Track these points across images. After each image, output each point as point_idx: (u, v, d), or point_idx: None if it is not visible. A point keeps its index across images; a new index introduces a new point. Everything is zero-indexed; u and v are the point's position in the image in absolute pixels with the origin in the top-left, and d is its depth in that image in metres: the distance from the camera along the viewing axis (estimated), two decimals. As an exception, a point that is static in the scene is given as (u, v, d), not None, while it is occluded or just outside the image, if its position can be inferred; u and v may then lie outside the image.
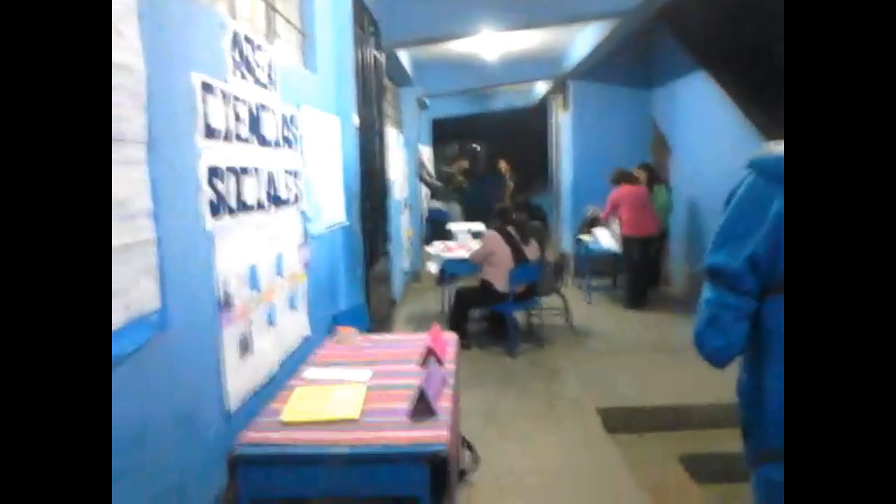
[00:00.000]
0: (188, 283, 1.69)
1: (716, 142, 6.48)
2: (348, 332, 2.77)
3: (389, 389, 2.12)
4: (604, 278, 7.48)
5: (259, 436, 1.77)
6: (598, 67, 8.13)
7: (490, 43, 7.21)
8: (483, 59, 8.11)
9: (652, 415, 3.96)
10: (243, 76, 2.15)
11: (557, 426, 3.76)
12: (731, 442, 1.63)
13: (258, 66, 2.31)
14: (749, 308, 1.20)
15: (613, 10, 5.22)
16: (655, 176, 7.08)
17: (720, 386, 3.25)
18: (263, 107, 2.33)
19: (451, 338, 2.70)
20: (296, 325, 2.71)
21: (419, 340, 2.69)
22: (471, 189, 10.80)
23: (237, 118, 2.06)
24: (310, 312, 2.90)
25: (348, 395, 2.05)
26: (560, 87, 9.69)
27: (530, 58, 8.48)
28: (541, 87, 10.87)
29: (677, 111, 7.61)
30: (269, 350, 2.33)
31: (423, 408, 1.88)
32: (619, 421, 3.88)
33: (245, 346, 2.08)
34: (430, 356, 2.35)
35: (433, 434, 1.75)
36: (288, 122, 2.66)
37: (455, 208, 10.62)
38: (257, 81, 2.29)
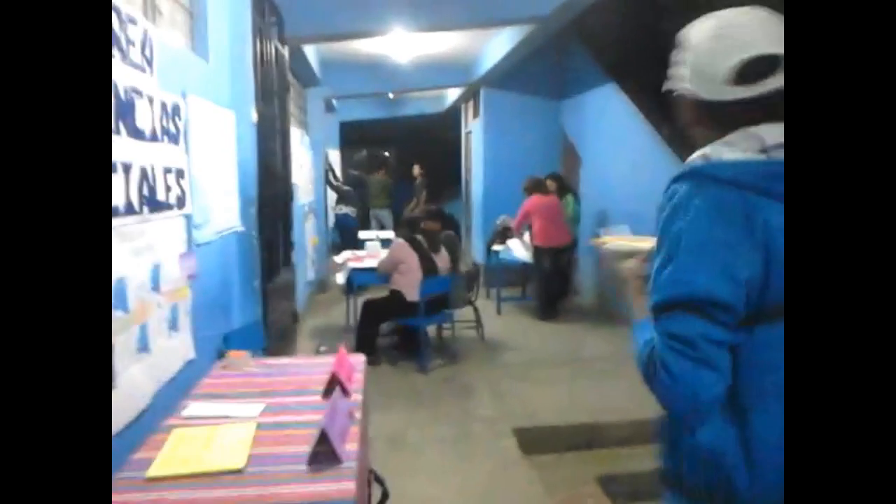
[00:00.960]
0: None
1: (624, 153, 6.53)
2: (239, 357, 2.41)
3: (285, 428, 1.80)
4: (513, 289, 7.38)
5: (117, 500, 1.40)
6: (509, 76, 8.07)
7: (401, 45, 6.97)
8: (394, 61, 7.86)
9: (569, 434, 3.82)
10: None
11: (472, 450, 3.53)
12: (645, 461, 1.51)
13: (130, 42, 1.93)
14: (732, 342, 0.99)
15: (528, 16, 5.10)
16: (565, 186, 7.06)
17: (633, 401, 3.17)
18: (136, 91, 1.96)
19: (357, 361, 2.40)
20: (177, 349, 2.32)
21: (322, 365, 2.37)
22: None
23: (98, 102, 1.68)
24: (194, 332, 2.51)
25: (234, 438, 1.71)
26: (471, 94, 9.58)
27: (442, 63, 8.31)
28: (452, 94, 10.74)
29: (587, 122, 7.66)
30: (140, 381, 1.95)
31: (324, 452, 1.58)
32: (536, 441, 3.71)
33: (105, 381, 1.70)
34: (335, 385, 2.04)
35: (337, 488, 1.46)
36: (168, 112, 2.28)
37: (386, 216, 10.30)
38: (126, 59, 1.92)
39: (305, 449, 1.66)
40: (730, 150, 1.03)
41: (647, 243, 1.24)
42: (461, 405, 4.18)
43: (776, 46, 1.01)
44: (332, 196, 9.05)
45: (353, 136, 12.24)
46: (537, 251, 6.43)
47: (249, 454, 1.61)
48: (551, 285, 6.61)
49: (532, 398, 4.27)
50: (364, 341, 4.87)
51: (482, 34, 6.88)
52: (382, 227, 10.32)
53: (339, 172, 10.06)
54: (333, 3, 4.97)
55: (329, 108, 9.10)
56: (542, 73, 8.27)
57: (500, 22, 5.72)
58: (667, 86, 1.18)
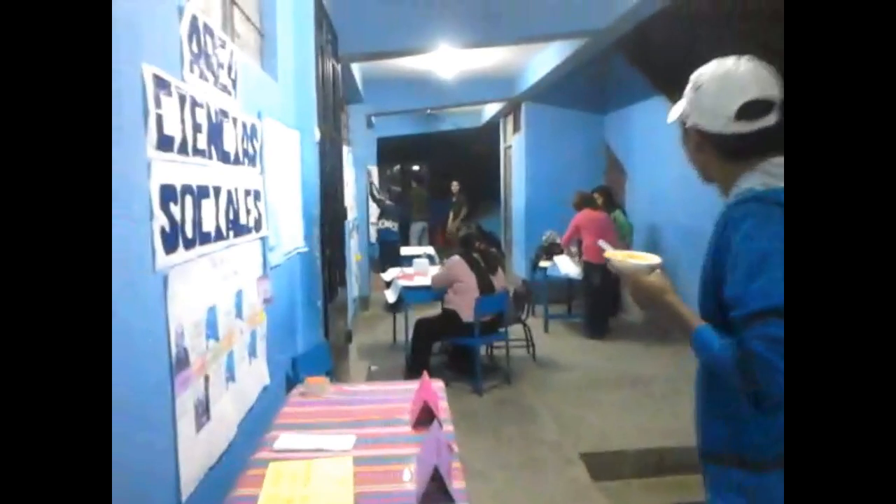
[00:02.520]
0: (131, 343, 1.26)
1: (674, 167, 6.37)
2: (318, 383, 2.34)
3: (383, 463, 1.72)
4: (558, 306, 7.24)
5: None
6: (551, 90, 7.98)
7: (445, 60, 6.94)
8: (437, 76, 7.83)
9: (637, 459, 3.68)
10: (202, 75, 1.74)
11: (540, 477, 3.42)
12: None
13: (220, 64, 1.89)
14: None
15: (583, 30, 5.02)
16: (612, 200, 6.93)
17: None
18: (225, 114, 1.92)
19: (439, 387, 2.32)
20: (255, 376, 2.27)
21: (404, 392, 2.29)
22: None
23: (195, 126, 1.64)
24: (269, 357, 2.46)
25: (333, 474, 1.64)
26: (512, 108, 9.52)
27: (485, 78, 8.26)
28: (490, 109, 10.69)
29: (633, 136, 7.53)
30: (229, 412, 1.89)
31: (436, 491, 1.49)
32: (604, 467, 3.58)
33: (203, 412, 1.64)
34: (428, 415, 1.96)
35: (456, 533, 1.37)
36: (248, 133, 2.25)
37: (420, 230, 10.29)
38: (217, 83, 1.88)
39: (409, 486, 1.58)
40: (775, 179, 1.23)
41: (649, 258, 1.45)
42: (522, 429, 4.06)
43: (771, 91, 1.25)
44: (373, 211, 9.05)
45: (389, 152, 12.25)
46: (587, 267, 6.30)
47: (355, 493, 1.53)
48: (601, 302, 6.46)
49: (594, 421, 4.14)
50: (417, 361, 4.79)
51: (527, 49, 6.82)
52: (420, 242, 10.29)
53: (377, 183, 10.08)
54: (385, 21, 4.95)
55: (369, 124, 9.11)
56: (584, 86, 8.18)
57: (555, 36, 5.64)
58: (674, 117, 1.43)
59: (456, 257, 4.82)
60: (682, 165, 5.93)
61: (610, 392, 4.71)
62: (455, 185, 11.67)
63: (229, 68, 2.00)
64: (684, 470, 3.59)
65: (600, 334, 6.35)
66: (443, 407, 2.13)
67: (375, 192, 8.99)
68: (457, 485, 1.57)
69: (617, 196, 7.39)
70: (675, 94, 6.32)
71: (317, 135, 3.43)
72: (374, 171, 9.74)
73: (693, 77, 1.36)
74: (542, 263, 6.92)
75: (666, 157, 6.59)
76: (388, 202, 9.12)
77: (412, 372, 4.67)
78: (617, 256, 1.45)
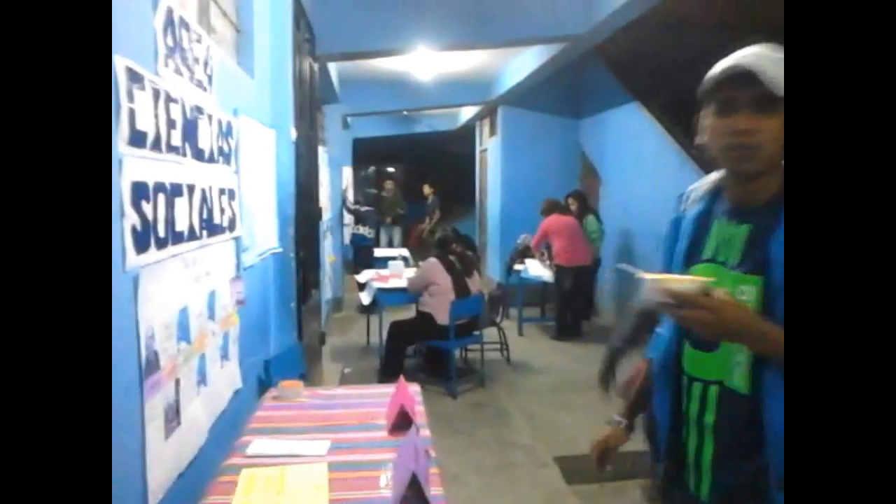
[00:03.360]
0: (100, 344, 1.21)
1: (648, 172, 6.45)
2: (292, 387, 2.30)
3: (358, 469, 1.69)
4: (532, 309, 7.26)
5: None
6: (528, 95, 8.01)
7: (422, 62, 6.91)
8: (414, 78, 7.80)
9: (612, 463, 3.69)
10: (177, 70, 1.69)
11: (515, 480, 3.41)
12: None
13: (195, 59, 1.85)
14: None
15: (563, 35, 5.04)
16: (586, 205, 6.98)
17: None
18: (200, 111, 1.87)
19: (415, 391, 2.29)
20: (227, 379, 2.21)
21: (380, 396, 2.26)
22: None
23: (169, 122, 1.59)
24: (241, 360, 2.41)
25: (307, 480, 1.60)
26: (488, 112, 9.54)
27: (462, 81, 8.27)
28: (466, 112, 10.70)
29: (607, 141, 7.59)
30: (200, 416, 1.84)
31: (414, 497, 1.47)
32: (578, 470, 3.58)
33: (173, 417, 1.60)
34: (404, 420, 1.93)
35: (434, 541, 1.35)
36: (224, 131, 2.20)
37: (396, 232, 10.22)
38: (193, 78, 1.83)
39: (386, 492, 1.55)
40: None
41: (690, 280, 1.13)
42: (496, 432, 4.05)
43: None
44: (347, 217, 8.99)
45: (365, 153, 12.19)
46: (559, 270, 6.33)
47: (330, 499, 1.50)
48: (573, 305, 6.50)
49: (568, 424, 4.15)
50: (391, 364, 4.75)
51: (506, 52, 6.83)
52: (391, 244, 10.23)
53: (351, 191, 10.00)
54: (363, 22, 4.91)
55: (345, 124, 9.04)
56: (560, 91, 8.23)
57: (534, 40, 5.66)
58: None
59: (432, 259, 4.80)
60: (655, 172, 6.04)
61: (583, 395, 4.72)
62: (426, 188, 11.64)
63: (205, 64, 1.95)
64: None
65: (571, 336, 6.38)
66: (419, 411, 2.11)
67: (349, 205, 8.95)
68: (434, 490, 1.54)
69: (591, 201, 7.44)
70: (650, 100, 6.42)
71: (293, 134, 3.38)
72: (347, 171, 9.67)
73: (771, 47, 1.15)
74: (517, 267, 6.93)
75: (640, 163, 6.66)
76: (363, 208, 9.06)
77: (386, 374, 4.63)
78: (660, 280, 1.15)
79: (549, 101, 8.36)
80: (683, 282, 1.11)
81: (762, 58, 1.10)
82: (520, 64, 7.07)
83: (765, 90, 1.07)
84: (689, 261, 1.25)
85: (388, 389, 2.24)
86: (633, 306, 3.46)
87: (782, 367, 1.05)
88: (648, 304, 1.14)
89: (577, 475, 3.54)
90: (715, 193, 1.28)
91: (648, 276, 1.15)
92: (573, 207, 6.73)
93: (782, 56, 1.08)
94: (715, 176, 1.30)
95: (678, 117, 6.16)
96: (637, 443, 3.85)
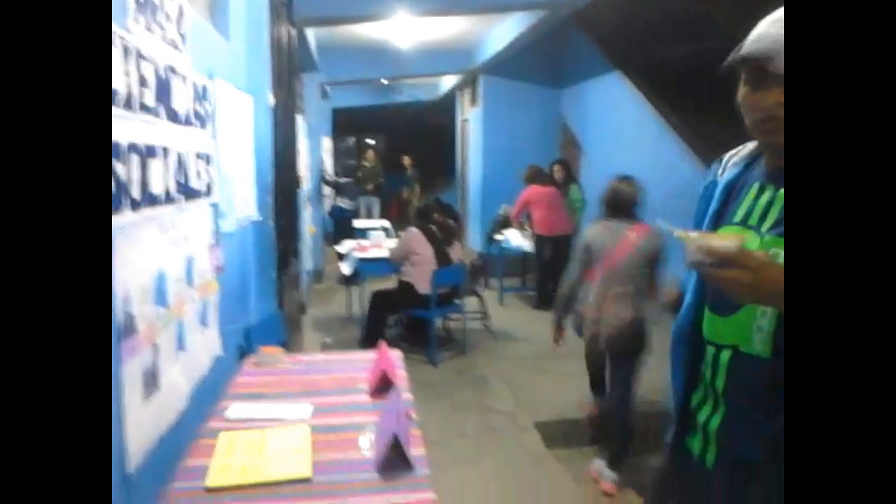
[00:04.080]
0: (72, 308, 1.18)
1: (629, 142, 6.46)
2: (272, 353, 2.29)
3: (341, 431, 1.70)
4: (513, 279, 7.30)
5: (178, 512, 1.29)
6: (509, 64, 7.95)
7: (402, 30, 6.81)
8: (394, 46, 7.69)
9: (590, 427, 3.75)
10: (148, 27, 1.64)
11: (496, 445, 3.45)
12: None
13: (168, 17, 1.79)
14: None
15: (540, 1, 4.98)
16: (570, 174, 6.97)
17: (641, 393, 3.12)
18: (173, 71, 1.82)
19: (397, 356, 2.30)
20: (207, 345, 2.20)
21: (361, 361, 2.27)
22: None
23: (142, 81, 1.55)
24: (221, 327, 2.39)
25: (290, 443, 1.60)
26: (469, 81, 9.45)
27: (442, 49, 8.17)
28: (447, 81, 10.59)
29: (588, 111, 7.58)
30: (179, 381, 1.83)
31: (396, 459, 1.48)
32: (558, 435, 3.64)
33: (151, 381, 1.58)
34: (385, 384, 1.94)
35: (416, 498, 1.36)
36: (200, 94, 2.15)
37: (374, 202, 10.13)
38: (166, 37, 1.78)
39: (368, 453, 1.56)
40: None
41: (730, 238, 1.08)
42: (477, 398, 4.10)
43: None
44: (327, 190, 8.92)
45: (344, 123, 12.04)
46: (539, 240, 6.35)
47: (313, 461, 1.51)
48: (553, 275, 6.53)
49: (547, 391, 4.20)
50: (372, 333, 4.75)
51: (485, 20, 6.75)
52: (370, 215, 10.18)
53: (330, 161, 9.90)
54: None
55: (324, 94, 8.91)
56: (541, 61, 8.17)
57: (514, 6, 5.59)
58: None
59: (413, 229, 4.78)
60: (635, 141, 6.02)
61: (562, 362, 4.77)
62: (407, 160, 11.56)
63: (178, 22, 1.90)
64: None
65: (552, 306, 6.41)
66: (401, 375, 2.12)
67: (328, 177, 8.85)
68: (416, 451, 1.56)
69: (573, 171, 7.44)
70: (630, 69, 6.38)
71: (270, 100, 3.32)
72: (327, 141, 9.56)
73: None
74: (497, 237, 6.94)
75: (620, 132, 6.67)
76: (343, 180, 8.98)
77: (367, 344, 4.64)
78: (693, 237, 1.09)
79: (530, 70, 8.30)
80: (723, 240, 1.05)
81: (781, 30, 1.08)
82: (500, 32, 6.99)
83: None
84: (717, 223, 1.23)
85: (370, 355, 2.24)
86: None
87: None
88: (688, 262, 1.07)
89: (557, 440, 3.60)
90: (751, 160, 1.27)
91: (686, 234, 1.10)
92: (558, 176, 6.71)
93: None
94: (747, 146, 1.29)
95: (658, 86, 6.15)
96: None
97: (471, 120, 9.69)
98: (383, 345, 2.19)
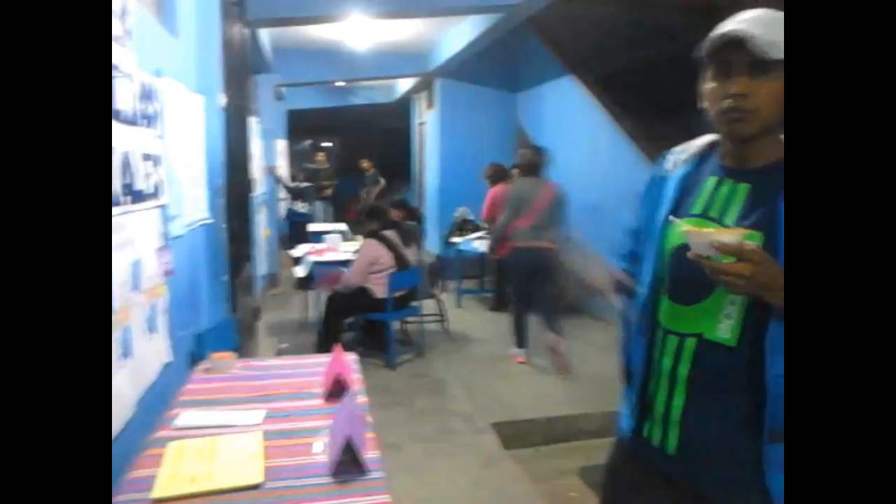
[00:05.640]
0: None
1: (582, 145, 6.56)
2: (224, 359, 2.24)
3: (294, 436, 1.67)
4: (470, 281, 7.32)
5: (122, 524, 1.24)
6: (465, 67, 7.99)
7: (357, 32, 6.77)
8: (349, 48, 7.64)
9: (546, 427, 3.79)
10: (90, 23, 1.59)
11: (454, 447, 3.45)
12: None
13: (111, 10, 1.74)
14: None
15: (495, 5, 5.03)
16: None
17: (596, 392, 3.18)
18: (115, 67, 1.77)
19: (351, 359, 2.28)
20: (155, 352, 2.13)
21: (315, 365, 2.24)
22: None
23: (83, 78, 1.49)
24: (171, 333, 2.32)
25: (241, 450, 1.57)
26: (426, 84, 9.46)
27: (398, 51, 8.15)
28: (403, 84, 10.57)
29: (543, 114, 7.66)
30: (124, 389, 1.77)
31: (349, 461, 1.46)
32: (515, 436, 3.67)
33: (93, 390, 1.53)
34: (340, 387, 1.91)
35: (371, 502, 1.34)
36: (146, 92, 2.09)
37: (323, 208, 10.04)
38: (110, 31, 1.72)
39: (322, 457, 1.54)
40: None
41: (731, 232, 1.10)
42: (435, 401, 4.09)
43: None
44: (283, 193, 8.80)
45: (300, 125, 11.91)
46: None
47: (265, 467, 1.48)
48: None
49: (505, 392, 4.22)
50: (328, 337, 4.70)
51: (441, 23, 6.77)
52: (326, 219, 10.08)
53: (285, 164, 9.76)
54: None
55: (278, 96, 8.79)
56: (497, 65, 8.24)
57: (468, 9, 5.61)
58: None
59: (368, 240, 4.73)
60: (590, 145, 6.11)
61: (517, 363, 4.82)
62: (365, 163, 11.49)
63: (122, 18, 1.84)
64: (589, 436, 3.74)
65: (509, 309, 6.45)
66: (355, 378, 2.09)
67: (287, 183, 8.75)
68: (370, 454, 1.54)
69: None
70: (585, 73, 6.47)
71: (221, 101, 3.26)
72: (282, 144, 9.44)
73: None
74: (454, 239, 6.95)
75: (575, 136, 6.76)
76: (303, 185, 8.88)
77: (323, 348, 4.58)
78: (701, 232, 1.11)
79: (486, 73, 8.36)
80: (724, 233, 1.08)
81: (756, 22, 1.12)
82: (456, 35, 7.02)
83: (758, 54, 1.09)
84: (675, 216, 1.25)
85: (324, 359, 2.21)
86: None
87: (777, 319, 1.08)
88: (693, 256, 1.10)
89: (514, 440, 3.63)
90: (703, 155, 1.31)
91: (693, 229, 1.12)
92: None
93: (778, 21, 1.11)
94: (704, 139, 1.33)
95: (612, 90, 6.27)
96: (571, 407, 3.97)
97: (427, 123, 9.70)
98: (338, 347, 2.16)
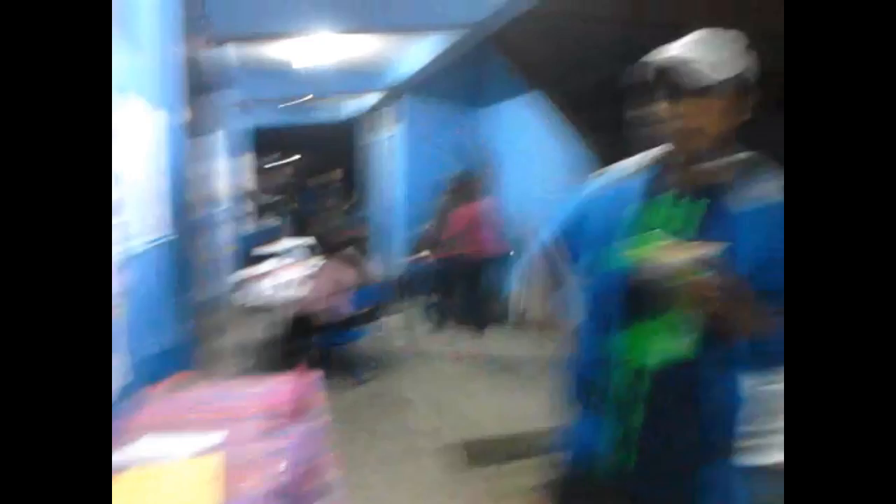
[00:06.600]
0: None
1: (542, 161, 6.65)
2: (183, 380, 2.20)
3: (252, 459, 1.64)
4: (433, 297, 7.30)
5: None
6: (428, 84, 8.03)
7: (320, 48, 6.76)
8: (311, 65, 7.62)
9: (509, 444, 3.79)
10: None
11: (418, 467, 3.44)
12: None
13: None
14: None
15: (460, 23, 5.11)
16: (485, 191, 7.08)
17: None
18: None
19: (314, 379, 2.25)
20: (114, 373, 2.08)
21: (276, 385, 2.21)
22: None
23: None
24: (129, 354, 2.27)
25: (201, 475, 1.54)
26: (389, 101, 9.49)
27: (361, 68, 8.16)
28: (366, 100, 10.58)
29: (505, 131, 7.75)
30: (79, 413, 1.72)
31: (310, 483, 1.44)
32: (479, 453, 3.66)
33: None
34: (302, 407, 1.89)
35: (334, 524, 1.33)
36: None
37: (286, 224, 9.95)
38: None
39: (282, 479, 1.52)
40: None
41: (692, 248, 1.12)
42: (400, 420, 4.07)
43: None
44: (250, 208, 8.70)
45: (266, 141, 11.82)
46: (462, 259, 6.40)
47: (225, 490, 1.45)
48: (474, 292, 6.58)
49: (470, 409, 4.23)
50: (289, 357, 4.64)
51: (404, 40, 6.81)
52: (289, 234, 9.99)
53: (252, 180, 9.67)
54: (257, 2, 4.74)
55: (241, 111, 8.71)
56: (460, 81, 8.31)
57: (430, 27, 5.68)
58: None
59: (327, 262, 4.71)
60: (550, 160, 6.21)
61: (483, 379, 4.84)
62: (329, 177, 11.46)
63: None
64: (553, 452, 3.76)
65: (475, 324, 6.47)
66: (318, 399, 2.08)
67: (254, 197, 8.66)
68: (331, 476, 1.53)
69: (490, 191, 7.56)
70: (548, 91, 6.55)
71: (182, 117, 3.22)
72: (244, 160, 9.35)
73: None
74: (418, 255, 6.96)
75: (537, 151, 6.85)
76: (274, 198, 8.81)
77: (285, 368, 4.52)
78: (659, 249, 1.14)
79: (450, 90, 8.43)
80: (685, 250, 1.10)
81: (695, 46, 1.18)
82: (419, 52, 7.07)
83: (697, 77, 1.14)
84: (632, 232, 1.25)
85: (286, 379, 2.19)
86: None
87: (725, 337, 1.12)
88: (659, 273, 1.11)
89: (478, 458, 3.62)
90: (649, 174, 1.32)
91: (651, 251, 1.13)
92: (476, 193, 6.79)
93: (721, 41, 1.17)
94: (644, 158, 1.34)
95: (575, 107, 6.37)
96: (536, 422, 3.97)
97: (391, 139, 9.72)
98: (300, 368, 2.14)
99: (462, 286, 6.49)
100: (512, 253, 6.55)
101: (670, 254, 1.10)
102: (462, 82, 8.31)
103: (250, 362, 5.09)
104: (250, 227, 8.76)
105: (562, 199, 1.45)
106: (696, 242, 1.16)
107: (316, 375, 2.32)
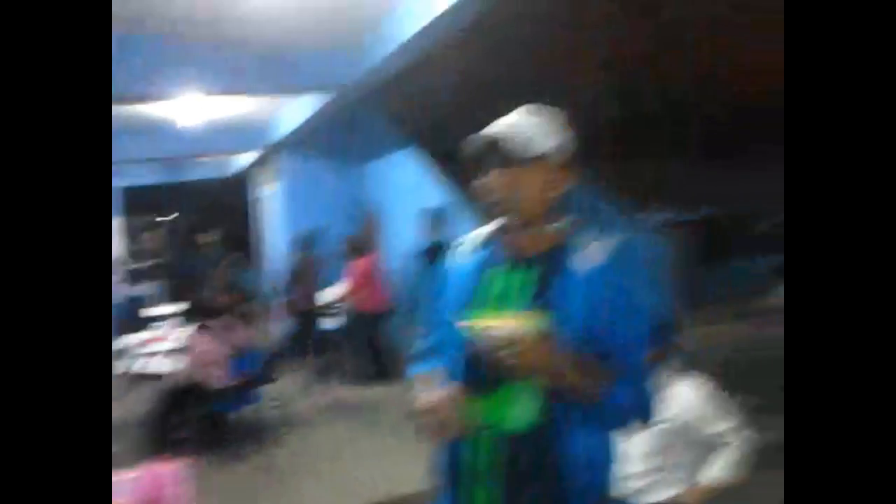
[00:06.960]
0: None
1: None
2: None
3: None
4: (319, 357, 7.08)
5: None
6: (308, 140, 7.96)
7: (191, 107, 6.55)
8: (183, 124, 7.35)
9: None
10: None
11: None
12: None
13: None
14: None
15: (330, 84, 5.14)
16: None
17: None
18: None
19: (178, 469, 2.07)
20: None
21: (129, 482, 2.00)
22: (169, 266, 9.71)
23: None
24: None
25: None
26: (267, 158, 9.32)
27: (236, 126, 7.98)
28: (243, 158, 10.33)
29: (389, 186, 7.80)
30: None
31: None
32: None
33: None
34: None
35: None
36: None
37: (156, 289, 9.38)
38: None
39: None
40: None
41: (519, 319, 1.16)
42: (287, 496, 3.83)
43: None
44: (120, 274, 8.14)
45: (135, 202, 11.21)
46: (358, 316, 6.30)
47: None
48: (369, 351, 6.44)
49: (361, 474, 4.07)
50: (158, 437, 4.27)
51: (279, 99, 6.76)
52: (161, 301, 9.45)
53: (124, 244, 9.08)
54: (125, 65, 4.54)
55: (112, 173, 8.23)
56: (341, 138, 8.29)
57: (303, 89, 5.66)
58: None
59: (198, 332, 4.45)
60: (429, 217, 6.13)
61: (380, 440, 4.67)
62: (207, 238, 10.97)
63: None
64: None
65: (367, 383, 6.31)
66: (183, 493, 1.90)
67: (124, 264, 8.13)
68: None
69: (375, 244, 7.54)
70: (432, 146, 6.66)
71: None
72: (116, 222, 8.79)
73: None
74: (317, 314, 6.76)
75: (417, 204, 6.92)
76: (148, 262, 8.30)
77: (153, 449, 4.16)
78: (479, 325, 1.17)
79: (330, 147, 8.40)
80: (501, 324, 1.13)
81: (512, 124, 1.25)
82: (296, 110, 7.02)
83: (513, 153, 1.21)
84: (469, 308, 1.27)
85: (139, 474, 1.99)
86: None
87: (573, 400, 1.15)
88: (490, 345, 1.14)
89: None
90: (486, 245, 1.36)
91: (471, 322, 1.17)
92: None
93: (544, 116, 1.26)
94: (484, 229, 1.39)
95: (456, 161, 6.53)
96: (425, 483, 3.84)
97: (270, 198, 9.51)
98: (158, 460, 1.96)
99: (356, 342, 6.37)
100: (397, 309, 6.53)
101: (499, 325, 1.13)
102: (341, 139, 8.31)
103: (121, 445, 4.64)
104: (119, 295, 8.17)
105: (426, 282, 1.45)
106: (524, 312, 1.18)
107: (181, 462, 2.13)
